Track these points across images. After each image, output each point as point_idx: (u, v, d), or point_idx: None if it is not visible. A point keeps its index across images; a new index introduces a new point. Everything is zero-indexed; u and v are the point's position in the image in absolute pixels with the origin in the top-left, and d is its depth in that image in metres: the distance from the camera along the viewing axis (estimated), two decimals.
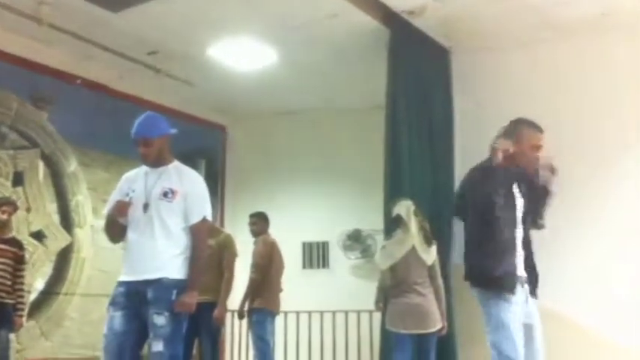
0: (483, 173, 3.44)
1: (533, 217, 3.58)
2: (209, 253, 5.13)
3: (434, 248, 5.19)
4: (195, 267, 3.67)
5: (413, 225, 5.16)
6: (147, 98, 7.46)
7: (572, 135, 6.30)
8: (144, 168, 3.82)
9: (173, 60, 7.20)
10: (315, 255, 8.60)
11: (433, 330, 5.05)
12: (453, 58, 6.99)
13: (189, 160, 4.28)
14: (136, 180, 3.80)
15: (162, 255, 3.60)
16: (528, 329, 3.47)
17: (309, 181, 8.65)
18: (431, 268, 5.14)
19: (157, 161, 3.77)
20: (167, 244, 3.63)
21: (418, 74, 6.56)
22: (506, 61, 6.72)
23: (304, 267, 8.55)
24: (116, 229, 3.77)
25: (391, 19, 6.40)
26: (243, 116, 8.97)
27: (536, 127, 3.57)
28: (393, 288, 5.12)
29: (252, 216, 6.27)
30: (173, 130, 3.83)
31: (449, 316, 5.37)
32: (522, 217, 3.51)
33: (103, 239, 4.00)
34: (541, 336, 3.54)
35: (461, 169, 6.47)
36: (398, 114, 6.34)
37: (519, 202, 3.51)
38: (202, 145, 8.56)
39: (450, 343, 5.82)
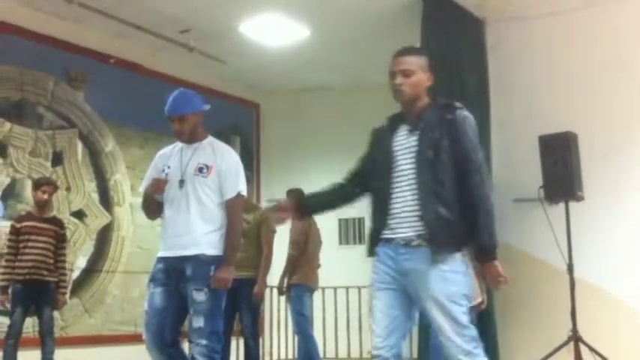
0: None
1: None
2: (247, 229, 5.19)
3: None
4: (230, 242, 3.68)
5: None
6: (180, 76, 7.48)
7: (610, 105, 6.19)
8: (178, 144, 3.83)
9: (206, 38, 7.20)
10: (351, 231, 8.60)
11: (473, 304, 4.99)
12: (487, 29, 6.87)
13: (223, 137, 4.29)
14: (170, 156, 3.81)
15: (199, 231, 3.62)
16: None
17: (344, 157, 8.52)
18: None
19: (191, 137, 3.77)
20: (203, 219, 3.64)
21: (452, 46, 6.46)
22: (541, 29, 6.59)
23: (340, 243, 8.56)
24: (153, 207, 3.80)
25: None
26: (276, 93, 8.95)
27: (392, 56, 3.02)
28: None
29: (288, 192, 6.25)
30: (206, 106, 3.83)
31: (488, 290, 5.31)
32: (416, 160, 2.83)
33: (142, 217, 4.03)
34: (437, 321, 2.75)
35: (497, 140, 6.41)
36: (432, 86, 6.25)
37: (401, 146, 2.91)
38: (236, 123, 8.58)
39: (490, 317, 5.77)
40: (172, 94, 3.76)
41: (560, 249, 5.66)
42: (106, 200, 7.01)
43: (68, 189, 6.66)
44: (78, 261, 6.66)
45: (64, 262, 5.70)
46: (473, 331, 2.78)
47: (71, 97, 6.81)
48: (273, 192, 8.33)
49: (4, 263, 5.51)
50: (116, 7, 6.50)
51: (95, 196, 6.92)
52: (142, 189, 3.85)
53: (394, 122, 3.03)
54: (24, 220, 5.53)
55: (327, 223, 7.19)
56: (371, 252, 2.95)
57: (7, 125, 6.22)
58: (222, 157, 3.76)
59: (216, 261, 3.61)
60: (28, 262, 5.38)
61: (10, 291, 5.38)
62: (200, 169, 3.69)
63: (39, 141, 6.47)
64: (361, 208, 8.91)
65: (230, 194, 3.71)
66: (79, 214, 6.74)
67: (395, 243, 2.83)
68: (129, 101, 7.21)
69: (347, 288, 7.79)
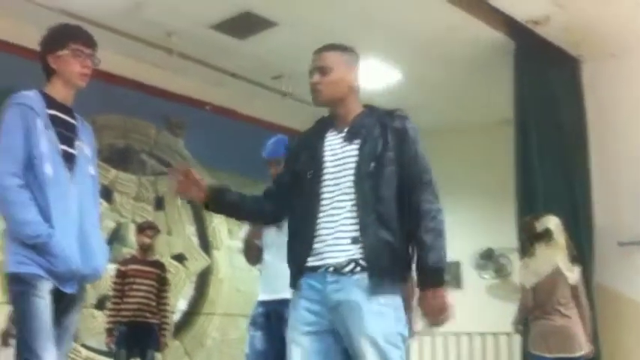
0: None
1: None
2: None
3: (578, 267, 4.94)
4: None
5: (560, 241, 4.93)
6: (274, 121, 7.63)
7: None
8: None
9: (298, 82, 7.33)
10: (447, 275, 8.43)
11: (579, 354, 4.76)
12: (583, 67, 6.70)
13: None
14: None
15: None
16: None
17: None
18: (574, 288, 4.87)
19: None
20: None
21: (546, 85, 6.36)
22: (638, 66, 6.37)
23: None
24: (254, 252, 3.87)
25: (515, 29, 6.26)
26: None
27: None
28: (534, 309, 4.89)
29: None
30: None
31: (594, 339, 5.08)
32: (355, 173, 2.43)
33: (239, 260, 4.12)
34: None
35: (598, 182, 6.18)
36: (527, 126, 6.17)
37: (334, 156, 2.50)
38: None
39: None
40: (271, 139, 3.88)
41: None
42: (205, 243, 7.18)
43: (169, 233, 6.87)
44: (179, 303, 6.81)
45: (167, 304, 5.84)
46: None
47: (171, 143, 7.08)
48: None
49: (110, 305, 5.70)
50: (212, 55, 6.74)
51: (195, 240, 7.10)
52: (242, 234, 3.95)
53: (322, 128, 2.60)
54: (129, 264, 5.71)
55: None
56: (295, 284, 2.49)
57: (113, 172, 6.51)
58: None
59: None
60: (133, 305, 5.54)
61: (115, 333, 5.55)
62: None
63: (142, 186, 6.73)
64: (455, 252, 8.74)
65: None
66: (180, 258, 6.93)
67: (321, 271, 2.38)
68: (225, 146, 7.40)
69: (445, 335, 7.64)
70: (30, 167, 2.49)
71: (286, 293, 3.59)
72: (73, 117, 2.72)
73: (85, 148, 2.70)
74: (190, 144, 7.21)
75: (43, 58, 2.69)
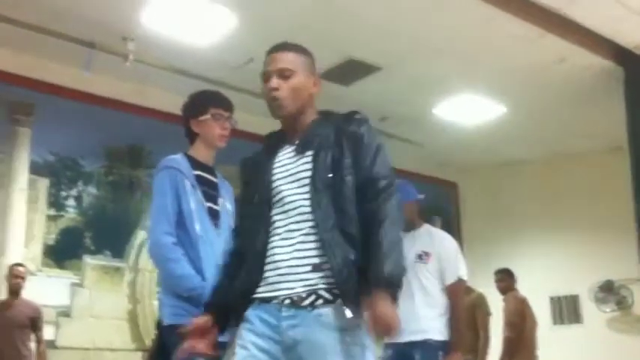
0: None
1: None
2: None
3: None
4: (455, 327, 3.74)
5: None
6: None
7: None
8: None
9: (402, 123, 7.43)
10: (565, 309, 8.21)
11: None
12: None
13: (425, 218, 4.38)
14: None
15: (425, 316, 3.70)
16: None
17: (549, 231, 8.34)
18: None
19: (408, 225, 3.90)
20: (427, 305, 3.73)
21: None
22: None
23: (554, 323, 8.18)
24: None
25: (623, 56, 6.20)
26: (473, 170, 8.94)
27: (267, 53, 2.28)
28: None
29: (497, 272, 6.19)
30: (421, 196, 3.98)
31: None
32: (311, 187, 2.09)
33: None
34: None
35: None
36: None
37: (285, 172, 2.16)
38: (436, 203, 8.63)
39: None
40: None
41: None
42: None
43: None
44: None
45: None
46: None
47: None
48: (476, 272, 8.20)
49: None
50: (320, 103, 6.86)
51: None
52: None
53: (271, 144, 2.28)
54: None
55: (537, 301, 6.98)
56: (240, 316, 2.11)
57: None
58: (441, 244, 3.87)
59: (444, 346, 3.66)
60: None
61: None
62: (419, 257, 3.82)
63: None
64: (572, 285, 8.55)
65: (451, 279, 3.79)
66: None
67: (275, 303, 2.03)
68: None
69: None
70: (181, 225, 2.67)
71: (415, 336, 3.66)
72: (214, 175, 2.90)
73: (227, 204, 2.87)
74: None
75: (186, 122, 2.88)
